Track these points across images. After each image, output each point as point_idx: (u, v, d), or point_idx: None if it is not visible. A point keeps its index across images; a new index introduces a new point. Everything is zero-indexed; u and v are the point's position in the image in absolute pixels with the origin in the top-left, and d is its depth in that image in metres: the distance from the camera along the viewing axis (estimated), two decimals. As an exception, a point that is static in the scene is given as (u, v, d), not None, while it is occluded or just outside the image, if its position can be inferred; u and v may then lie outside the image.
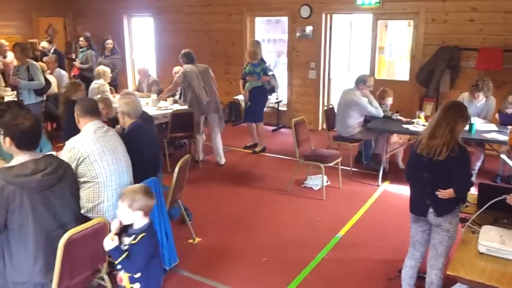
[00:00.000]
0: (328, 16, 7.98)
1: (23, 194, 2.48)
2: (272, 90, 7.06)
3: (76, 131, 3.38)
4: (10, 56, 7.91)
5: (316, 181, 5.53)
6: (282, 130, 8.44)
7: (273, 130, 8.39)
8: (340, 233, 4.41)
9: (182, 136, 6.40)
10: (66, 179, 2.75)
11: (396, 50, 8.28)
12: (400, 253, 3.55)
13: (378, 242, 4.25)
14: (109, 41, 8.96)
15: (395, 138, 5.85)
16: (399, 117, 5.88)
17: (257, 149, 7.07)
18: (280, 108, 8.54)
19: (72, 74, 8.86)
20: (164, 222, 3.47)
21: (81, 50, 9.09)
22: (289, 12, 8.16)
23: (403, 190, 5.30)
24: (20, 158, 2.58)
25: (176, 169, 3.74)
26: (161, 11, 9.71)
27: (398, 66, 8.45)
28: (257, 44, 7.15)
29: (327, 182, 5.53)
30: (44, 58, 8.40)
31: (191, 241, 4.22)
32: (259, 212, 4.92)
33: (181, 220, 4.41)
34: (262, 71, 6.79)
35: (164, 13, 9.69)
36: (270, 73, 6.95)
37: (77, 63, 8.94)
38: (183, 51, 6.35)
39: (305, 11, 7.96)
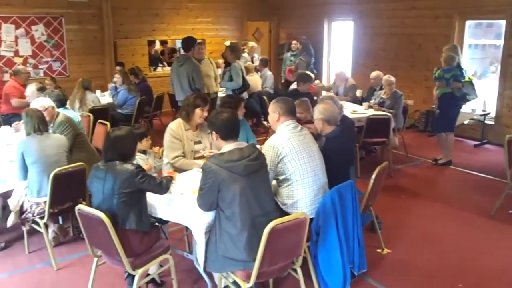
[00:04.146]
0: (561, 19, 6.85)
1: (232, 177, 2.78)
2: (463, 98, 6.31)
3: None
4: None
5: (529, 209, 4.81)
6: (487, 146, 7.57)
7: (476, 145, 7.58)
8: (559, 274, 3.75)
9: (375, 142, 6.26)
10: (266, 167, 3.03)
11: None
12: None
13: None
14: (294, 41, 9.34)
15: None
16: None
17: (441, 160, 6.53)
18: (486, 122, 7.68)
19: (285, 76, 9.38)
20: (357, 227, 3.43)
21: (293, 53, 9.57)
22: (507, 15, 7.25)
23: None
24: (228, 146, 2.93)
25: (373, 176, 3.66)
26: (363, 15, 9.67)
27: None
28: (454, 49, 6.55)
29: (543, 211, 4.76)
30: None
31: (379, 250, 4.10)
32: (454, 232, 4.50)
33: (369, 227, 4.31)
34: (452, 77, 6.17)
35: (365, 17, 9.63)
36: (464, 80, 6.27)
37: (292, 66, 9.42)
38: None
39: (529, 14, 6.98)
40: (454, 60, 6.24)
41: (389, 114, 6.13)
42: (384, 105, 6.60)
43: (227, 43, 10.31)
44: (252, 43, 10.27)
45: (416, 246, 4.24)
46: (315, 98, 6.22)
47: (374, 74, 7.18)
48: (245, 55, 9.67)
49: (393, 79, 6.65)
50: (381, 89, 6.99)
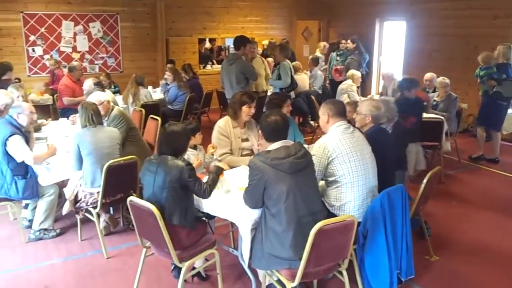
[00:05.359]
0: None
1: (278, 175, 2.78)
2: (499, 96, 6.25)
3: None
4: None
5: None
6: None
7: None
8: None
9: (427, 146, 6.04)
10: (312, 166, 3.01)
11: None
12: None
13: None
14: (343, 41, 9.18)
15: None
16: None
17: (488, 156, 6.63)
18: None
19: (331, 76, 9.28)
20: (406, 231, 3.33)
21: (339, 52, 9.44)
22: None
23: None
24: (275, 145, 2.94)
25: (425, 180, 3.55)
26: (416, 15, 9.40)
27: None
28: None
29: None
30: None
31: (427, 257, 3.98)
32: (506, 243, 4.29)
33: (418, 232, 4.18)
34: (486, 75, 6.29)
35: (418, 17, 9.35)
36: (505, 79, 6.23)
37: (338, 65, 9.30)
38: None
39: None
40: (491, 59, 6.31)
41: (441, 117, 5.94)
42: (438, 108, 6.39)
43: (265, 42, 10.35)
44: (323, 43, 10.10)
45: (466, 255, 4.09)
46: (424, 103, 5.89)
47: (428, 75, 6.97)
48: (317, 54, 9.56)
49: (447, 81, 6.44)
50: (434, 91, 6.77)
